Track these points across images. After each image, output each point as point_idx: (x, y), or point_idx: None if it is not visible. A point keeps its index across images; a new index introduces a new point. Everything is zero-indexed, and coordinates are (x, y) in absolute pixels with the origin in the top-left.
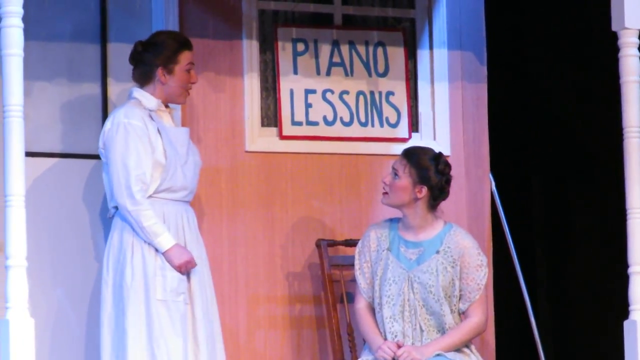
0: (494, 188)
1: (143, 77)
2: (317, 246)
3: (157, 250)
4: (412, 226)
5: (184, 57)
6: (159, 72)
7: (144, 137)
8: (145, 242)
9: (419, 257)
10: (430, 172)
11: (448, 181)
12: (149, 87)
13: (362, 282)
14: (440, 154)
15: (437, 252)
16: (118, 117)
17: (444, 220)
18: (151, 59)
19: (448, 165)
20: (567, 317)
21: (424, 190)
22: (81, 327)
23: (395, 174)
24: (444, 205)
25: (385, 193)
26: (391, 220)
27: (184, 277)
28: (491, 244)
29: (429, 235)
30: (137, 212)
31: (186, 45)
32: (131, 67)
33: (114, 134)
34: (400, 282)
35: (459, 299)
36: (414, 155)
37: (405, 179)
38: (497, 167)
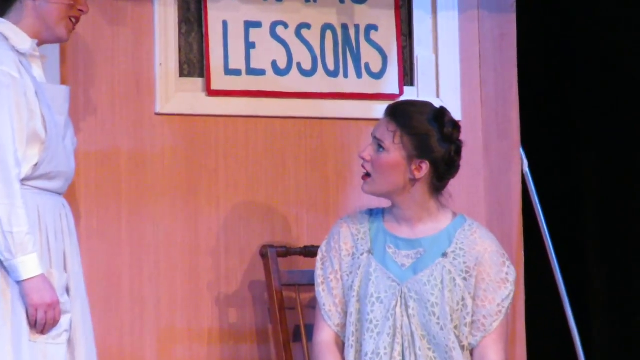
0: (526, 169)
1: None
2: (262, 256)
3: (7, 273)
4: (407, 218)
5: None
6: None
7: (21, 96)
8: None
9: (416, 261)
10: (432, 139)
11: (458, 150)
12: (11, 14)
13: (327, 302)
14: (443, 109)
15: (444, 254)
16: None
17: (453, 210)
18: None
19: (457, 127)
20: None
21: (425, 166)
22: None
23: (380, 146)
24: (452, 190)
25: (367, 175)
26: (371, 210)
27: (68, 308)
28: (522, 250)
29: (431, 230)
30: (10, 207)
31: None
32: None
33: None
34: (389, 300)
35: (470, 326)
36: (405, 115)
37: (395, 152)
38: (531, 139)
